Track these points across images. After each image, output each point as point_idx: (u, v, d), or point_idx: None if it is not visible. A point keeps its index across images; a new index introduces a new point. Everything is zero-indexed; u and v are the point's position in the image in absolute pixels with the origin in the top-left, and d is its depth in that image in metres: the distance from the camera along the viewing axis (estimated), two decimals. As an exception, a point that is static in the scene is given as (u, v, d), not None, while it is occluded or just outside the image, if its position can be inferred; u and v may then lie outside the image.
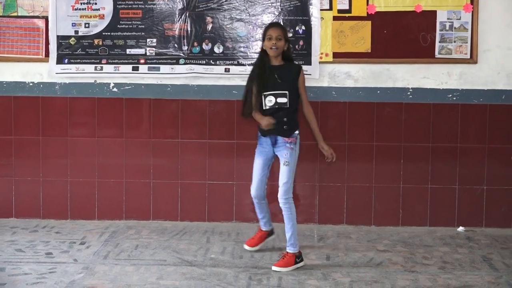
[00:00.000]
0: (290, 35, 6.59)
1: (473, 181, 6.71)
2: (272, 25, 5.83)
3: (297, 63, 6.24)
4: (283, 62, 5.74)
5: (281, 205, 5.69)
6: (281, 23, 6.53)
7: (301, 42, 6.63)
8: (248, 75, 5.84)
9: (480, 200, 6.72)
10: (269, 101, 5.65)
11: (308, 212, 6.79)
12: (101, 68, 6.74)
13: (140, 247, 6.05)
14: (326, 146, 5.82)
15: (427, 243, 6.26)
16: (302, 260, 5.68)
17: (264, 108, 5.66)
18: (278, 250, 6.01)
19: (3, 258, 5.72)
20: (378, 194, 6.75)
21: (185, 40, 6.70)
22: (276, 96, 5.63)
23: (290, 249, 5.65)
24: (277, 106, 5.63)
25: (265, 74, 5.67)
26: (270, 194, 6.09)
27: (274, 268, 5.57)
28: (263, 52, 5.74)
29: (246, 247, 6.07)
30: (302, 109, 5.80)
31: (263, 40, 5.71)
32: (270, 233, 6.18)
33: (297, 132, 5.73)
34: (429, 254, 5.95)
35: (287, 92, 5.64)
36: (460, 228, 6.70)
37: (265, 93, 5.65)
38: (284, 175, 5.68)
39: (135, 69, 6.73)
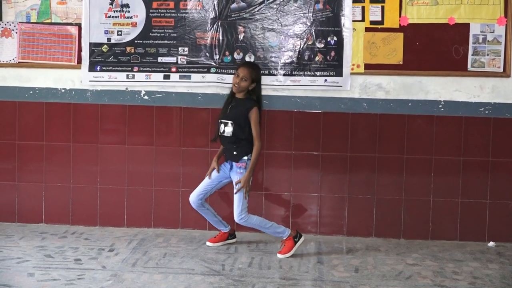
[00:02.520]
0: (321, 45, 6.60)
1: (504, 195, 6.65)
2: (243, 64, 6.23)
3: (254, 101, 6.21)
4: (245, 98, 6.16)
5: (241, 224, 6.19)
6: (313, 32, 6.53)
7: (332, 53, 6.62)
8: (276, 86, 6.29)
9: (511, 215, 6.65)
10: (221, 128, 6.16)
11: (337, 224, 6.76)
12: (133, 76, 6.76)
13: (169, 256, 6.05)
14: (243, 180, 6.08)
15: (457, 258, 6.21)
16: (301, 236, 6.29)
17: (220, 134, 6.19)
18: (306, 261, 5.98)
19: (32, 263, 5.75)
20: (407, 207, 6.71)
21: (216, 49, 6.71)
22: (224, 124, 6.14)
23: (283, 237, 6.22)
24: (225, 134, 6.13)
25: (225, 104, 6.26)
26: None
27: (278, 256, 6.11)
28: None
29: (208, 243, 6.41)
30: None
31: (234, 73, 6.20)
32: (230, 234, 6.53)
33: (245, 158, 6.11)
34: (459, 268, 5.90)
35: (231, 121, 6.10)
36: (491, 243, 6.63)
37: (220, 120, 6.18)
38: (236, 200, 6.09)
39: (167, 77, 6.75)
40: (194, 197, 6.27)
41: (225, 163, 6.23)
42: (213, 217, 6.41)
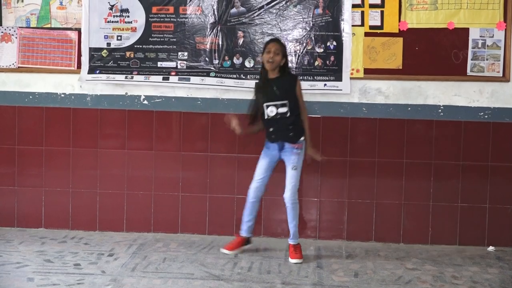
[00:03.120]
0: (321, 50, 6.62)
1: (504, 200, 6.65)
2: (272, 40, 6.21)
3: (292, 74, 6.37)
4: (280, 74, 6.12)
5: (288, 204, 6.16)
6: (312, 37, 6.56)
7: (332, 58, 6.62)
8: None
9: (510, 220, 6.66)
10: (270, 111, 6.09)
11: (336, 228, 6.76)
12: (132, 78, 6.75)
13: (168, 260, 6.05)
14: (315, 152, 6.22)
15: (457, 262, 6.20)
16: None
17: (266, 117, 6.11)
18: (306, 266, 5.98)
19: (32, 268, 5.75)
20: (407, 212, 6.71)
21: (216, 54, 6.72)
22: (277, 106, 6.06)
23: (295, 241, 6.23)
24: (278, 116, 6.05)
25: (264, 87, 6.11)
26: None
27: (295, 261, 6.08)
28: (263, 67, 6.14)
29: (225, 251, 6.27)
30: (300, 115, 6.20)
31: (262, 53, 6.12)
32: (248, 240, 6.41)
33: (302, 138, 6.14)
34: (458, 273, 5.90)
35: (286, 101, 6.06)
36: (490, 248, 6.63)
37: (266, 104, 6.08)
38: (292, 178, 6.12)
39: (166, 79, 6.74)
40: (259, 189, 6.25)
41: (271, 144, 6.16)
42: (255, 216, 6.34)
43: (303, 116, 6.17)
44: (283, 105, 6.05)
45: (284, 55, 6.11)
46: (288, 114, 6.06)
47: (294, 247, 6.19)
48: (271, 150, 6.17)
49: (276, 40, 6.21)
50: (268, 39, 6.43)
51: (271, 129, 6.12)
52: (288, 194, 6.12)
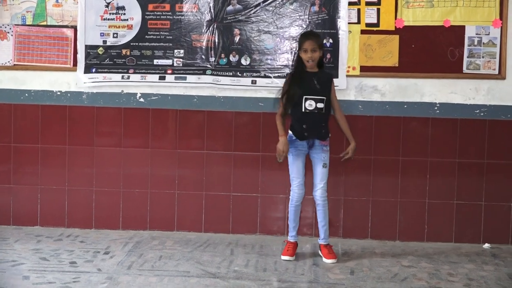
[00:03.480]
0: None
1: (499, 197, 6.65)
2: (307, 37, 6.10)
3: (328, 72, 6.36)
4: (317, 69, 6.10)
5: (321, 202, 6.13)
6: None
7: (328, 55, 6.62)
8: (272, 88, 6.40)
9: (506, 217, 6.66)
10: (309, 105, 6.02)
11: (332, 226, 6.75)
12: (128, 78, 6.76)
13: (164, 258, 6.05)
14: (352, 147, 6.28)
15: (452, 260, 6.21)
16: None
17: (303, 111, 6.02)
18: (302, 263, 5.98)
19: (27, 266, 5.75)
20: (403, 209, 6.71)
21: (212, 52, 6.71)
22: (316, 101, 6.02)
23: (327, 241, 6.18)
24: (316, 111, 6.01)
25: (303, 80, 6.02)
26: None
27: (331, 261, 6.05)
28: (299, 58, 6.09)
29: (287, 257, 6.11)
30: (335, 114, 6.26)
31: (299, 49, 6.05)
32: (297, 244, 6.32)
33: (329, 135, 6.16)
34: (454, 270, 5.90)
35: (324, 98, 6.06)
36: (486, 245, 6.64)
37: (306, 97, 5.99)
38: (324, 176, 6.13)
39: (162, 79, 6.74)
40: (303, 189, 6.17)
41: (300, 142, 6.08)
42: (298, 218, 6.29)
43: (339, 114, 6.23)
44: (321, 100, 6.02)
45: (321, 47, 6.10)
46: (324, 111, 6.06)
47: (327, 248, 6.16)
48: (300, 148, 6.10)
49: (312, 36, 6.13)
50: (302, 32, 6.41)
51: (304, 126, 6.05)
52: (320, 192, 6.10)
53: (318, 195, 6.11)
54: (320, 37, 6.28)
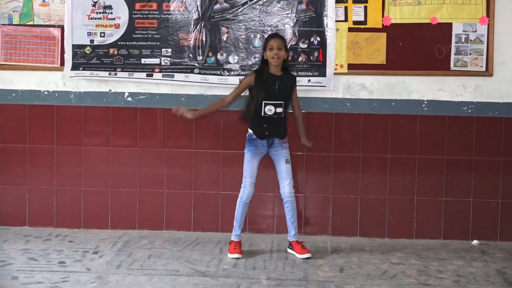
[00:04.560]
0: (304, 46, 6.62)
1: (487, 194, 6.68)
2: (273, 35, 6.17)
3: (293, 73, 6.40)
4: (282, 72, 6.13)
5: (289, 199, 6.15)
6: (296, 33, 6.57)
7: (316, 53, 6.63)
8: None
9: (494, 213, 6.69)
10: (268, 110, 6.07)
11: (321, 224, 6.77)
12: (115, 75, 6.73)
13: (153, 257, 6.04)
14: (308, 141, 6.39)
15: (441, 256, 6.23)
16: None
17: (262, 115, 6.07)
18: (292, 261, 5.99)
19: (16, 266, 5.73)
20: (392, 206, 6.73)
21: (200, 50, 6.71)
22: (275, 106, 6.07)
23: (297, 238, 6.23)
24: (275, 116, 6.06)
25: (266, 84, 6.04)
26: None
27: (306, 255, 6.08)
28: (264, 62, 6.11)
29: (236, 255, 6.11)
30: (294, 112, 6.32)
31: (264, 50, 6.08)
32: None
33: (287, 133, 6.22)
34: (443, 267, 5.92)
35: (283, 102, 6.11)
36: (475, 242, 6.66)
37: (265, 102, 6.04)
38: (289, 171, 6.16)
39: (149, 76, 6.73)
40: (252, 190, 6.17)
41: (260, 141, 6.10)
42: (244, 217, 6.30)
43: (298, 113, 6.30)
44: (280, 105, 6.07)
45: (286, 49, 6.13)
46: (283, 114, 6.11)
47: (300, 243, 6.19)
48: (260, 147, 6.12)
49: (277, 35, 6.19)
50: (268, 34, 6.42)
51: (264, 126, 6.08)
52: (288, 189, 6.12)
53: (287, 192, 6.12)
54: (285, 39, 6.31)
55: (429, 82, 6.63)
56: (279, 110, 6.06)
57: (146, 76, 6.73)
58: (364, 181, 6.73)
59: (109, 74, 6.75)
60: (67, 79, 6.77)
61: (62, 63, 6.78)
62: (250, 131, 6.16)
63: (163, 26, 6.72)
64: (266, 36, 6.41)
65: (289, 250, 6.24)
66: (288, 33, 6.63)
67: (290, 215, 6.18)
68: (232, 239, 6.23)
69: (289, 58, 6.41)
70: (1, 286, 5.27)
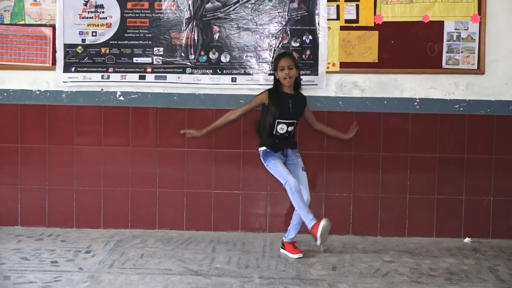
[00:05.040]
0: (296, 44, 6.63)
1: (480, 192, 6.69)
2: (283, 55, 6.16)
3: (302, 92, 6.35)
4: (294, 91, 6.15)
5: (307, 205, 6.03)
6: (288, 31, 6.58)
7: (308, 52, 6.63)
8: (252, 85, 6.42)
9: (486, 211, 6.70)
10: (281, 129, 6.09)
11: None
12: (108, 77, 6.74)
13: (146, 256, 6.04)
14: (349, 133, 6.49)
15: (434, 254, 6.23)
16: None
17: (274, 133, 6.08)
18: (284, 260, 5.99)
19: (8, 266, 5.72)
20: (384, 205, 6.74)
21: (192, 49, 6.70)
22: (288, 125, 6.10)
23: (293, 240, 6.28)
24: (286, 134, 6.11)
25: (280, 103, 6.05)
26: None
27: (298, 255, 6.09)
28: (277, 81, 6.12)
29: (297, 255, 6.08)
30: (316, 127, 6.44)
31: (275, 70, 6.07)
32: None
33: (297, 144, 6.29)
34: (435, 265, 5.92)
35: (296, 121, 6.17)
36: (467, 239, 6.67)
37: (278, 121, 6.05)
38: (306, 180, 6.14)
39: (142, 77, 6.73)
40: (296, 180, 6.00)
41: (277, 154, 6.09)
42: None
43: (319, 125, 6.43)
44: (292, 124, 6.11)
45: (297, 67, 6.12)
46: (293, 133, 6.19)
47: (292, 243, 6.23)
48: (278, 155, 6.12)
49: (286, 54, 6.21)
50: (278, 53, 6.45)
51: (277, 141, 6.10)
52: (306, 196, 6.04)
53: (305, 199, 6.02)
54: (295, 57, 6.37)
55: (421, 80, 6.64)
56: (291, 129, 6.11)
57: (139, 78, 6.73)
58: (357, 179, 6.74)
59: (102, 77, 6.75)
60: (60, 83, 6.76)
61: (54, 62, 6.77)
62: (262, 147, 6.13)
63: (155, 25, 6.71)
64: (275, 55, 6.48)
65: (281, 250, 6.23)
66: (280, 32, 6.63)
67: (297, 221, 6.16)
68: (311, 225, 5.88)
69: (300, 75, 6.31)
70: (-7, 286, 5.27)
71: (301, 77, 6.51)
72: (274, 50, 6.62)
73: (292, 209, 6.16)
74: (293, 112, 6.09)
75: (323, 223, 5.79)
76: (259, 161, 6.21)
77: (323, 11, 6.60)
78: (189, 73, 6.71)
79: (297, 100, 6.16)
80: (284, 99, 6.07)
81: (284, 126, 6.06)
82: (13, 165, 6.87)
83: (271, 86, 6.21)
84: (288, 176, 5.95)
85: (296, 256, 6.08)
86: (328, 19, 6.62)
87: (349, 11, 6.63)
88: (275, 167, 6.05)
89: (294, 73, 6.05)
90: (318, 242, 5.79)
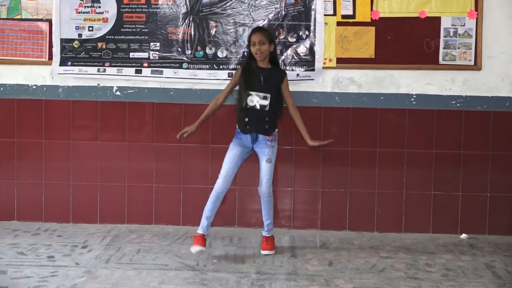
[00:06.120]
0: (293, 40, 6.62)
1: (476, 188, 6.70)
2: (255, 30, 6.12)
3: (283, 68, 6.45)
4: (270, 65, 6.07)
5: (264, 198, 6.08)
6: (285, 27, 6.57)
7: (304, 47, 6.62)
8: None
9: (483, 207, 6.71)
10: (250, 101, 5.99)
11: (310, 218, 6.77)
12: (104, 70, 6.72)
13: (142, 251, 6.04)
14: (314, 141, 6.15)
15: (430, 250, 6.24)
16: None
17: (244, 105, 5.99)
18: (280, 255, 5.99)
19: (5, 261, 5.71)
20: (380, 200, 6.74)
21: (188, 44, 6.69)
22: (259, 97, 5.98)
23: (270, 233, 6.20)
24: (258, 107, 5.96)
25: (251, 75, 6.01)
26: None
27: (266, 252, 6.07)
28: (250, 56, 6.07)
29: (198, 248, 5.84)
30: (289, 111, 6.17)
31: (249, 44, 6.03)
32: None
33: (276, 130, 6.10)
34: (432, 261, 5.93)
35: (269, 95, 5.99)
36: (463, 235, 6.68)
37: (248, 92, 5.97)
38: (267, 171, 6.02)
39: (138, 72, 6.72)
40: (227, 182, 5.92)
41: (244, 135, 6.01)
42: (215, 210, 5.98)
43: (293, 111, 6.13)
44: (265, 98, 5.98)
45: (271, 41, 6.04)
46: (267, 108, 5.99)
47: (266, 239, 6.17)
48: (243, 141, 6.04)
49: (259, 29, 6.12)
50: (250, 29, 6.36)
51: (246, 119, 6.00)
52: (264, 188, 6.02)
53: (262, 191, 6.03)
54: (270, 32, 6.25)
55: (417, 76, 6.64)
56: (263, 102, 5.97)
57: (135, 72, 6.72)
58: (353, 175, 6.74)
59: (98, 70, 6.74)
60: (55, 75, 6.74)
61: (50, 57, 6.76)
62: (237, 126, 6.12)
63: (152, 20, 6.70)
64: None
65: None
66: (277, 27, 6.62)
67: (264, 212, 6.15)
68: (198, 232, 5.89)
69: (276, 50, 6.28)
70: (-10, 281, 5.27)
71: (298, 71, 6.54)
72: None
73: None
74: (264, 85, 5.98)
75: (195, 248, 5.77)
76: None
77: (319, 7, 6.59)
78: (185, 68, 6.70)
79: (271, 74, 6.04)
80: (255, 71, 6.01)
81: (255, 98, 5.95)
82: (10, 160, 6.86)
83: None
84: (220, 175, 5.93)
85: (264, 252, 6.08)
86: (324, 15, 6.61)
87: (345, 7, 6.62)
88: (227, 154, 6.01)
89: (266, 48, 5.95)
90: (192, 249, 5.81)
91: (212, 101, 6.21)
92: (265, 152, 6.00)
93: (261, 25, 6.59)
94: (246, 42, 6.51)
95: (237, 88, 6.15)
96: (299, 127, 6.16)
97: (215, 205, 5.94)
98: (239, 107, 6.03)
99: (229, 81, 6.31)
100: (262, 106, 5.98)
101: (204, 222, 5.92)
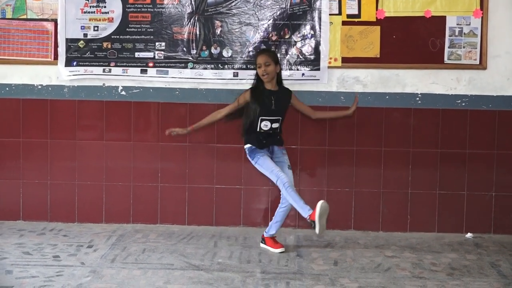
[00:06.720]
0: (298, 39, 6.62)
1: (481, 187, 6.69)
2: (259, 52, 6.19)
3: (287, 69, 6.59)
4: (277, 87, 6.12)
5: (287, 204, 6.08)
6: (290, 26, 6.56)
7: (309, 47, 6.62)
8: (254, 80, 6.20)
9: (488, 207, 6.70)
10: (264, 126, 6.04)
11: (315, 217, 6.77)
12: (110, 71, 6.73)
13: (148, 251, 6.04)
14: (351, 108, 6.35)
15: (435, 249, 6.24)
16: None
17: (258, 130, 6.04)
18: (285, 255, 5.99)
19: (10, 260, 5.72)
20: (386, 200, 6.74)
21: (193, 44, 6.70)
22: (271, 121, 6.05)
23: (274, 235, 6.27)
24: (271, 131, 6.05)
25: (261, 100, 6.01)
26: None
27: (281, 250, 6.09)
28: (258, 78, 6.08)
29: (280, 250, 6.09)
30: (315, 116, 6.37)
31: (255, 67, 6.08)
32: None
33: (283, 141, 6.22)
34: (437, 260, 5.93)
35: (280, 118, 6.10)
36: (469, 235, 6.67)
37: (262, 118, 6.01)
38: (292, 178, 6.08)
39: (144, 72, 6.73)
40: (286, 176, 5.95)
41: (263, 150, 6.03)
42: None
43: (317, 114, 6.37)
44: (276, 121, 6.05)
45: (277, 62, 6.07)
46: (278, 129, 6.10)
47: (273, 238, 6.22)
48: (264, 152, 6.05)
49: (263, 51, 6.19)
50: (256, 51, 6.46)
51: (261, 137, 6.04)
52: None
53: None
54: (275, 52, 6.33)
55: (423, 75, 6.63)
56: (275, 125, 6.05)
57: (141, 72, 6.73)
58: (358, 175, 6.74)
59: (103, 70, 6.75)
60: (62, 77, 6.75)
61: (56, 57, 6.77)
62: (248, 145, 6.09)
63: (157, 20, 6.70)
64: (256, 52, 6.49)
65: (262, 245, 6.24)
66: (282, 27, 6.62)
67: (279, 218, 6.17)
68: (308, 214, 5.74)
69: (281, 70, 6.31)
70: (-4, 281, 5.28)
71: (303, 71, 6.54)
72: (276, 45, 6.61)
73: (277, 205, 6.18)
74: (275, 108, 6.03)
75: (320, 203, 5.65)
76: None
77: (325, 6, 6.59)
78: (191, 68, 6.71)
79: (281, 96, 6.10)
80: (265, 95, 6.04)
81: (268, 123, 6.02)
82: (15, 160, 6.87)
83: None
84: (279, 173, 5.90)
85: (279, 250, 6.09)
86: (330, 14, 6.61)
87: (351, 6, 6.62)
88: (265, 164, 6.00)
89: (272, 69, 5.99)
90: (317, 228, 5.63)
91: (212, 113, 6.23)
92: (285, 160, 6.09)
93: (265, 25, 6.59)
94: (251, 42, 6.53)
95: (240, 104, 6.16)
96: (333, 116, 6.54)
97: (296, 192, 5.90)
98: (251, 130, 6.06)
99: (232, 82, 6.34)
100: (274, 129, 6.06)
101: (305, 206, 5.78)
